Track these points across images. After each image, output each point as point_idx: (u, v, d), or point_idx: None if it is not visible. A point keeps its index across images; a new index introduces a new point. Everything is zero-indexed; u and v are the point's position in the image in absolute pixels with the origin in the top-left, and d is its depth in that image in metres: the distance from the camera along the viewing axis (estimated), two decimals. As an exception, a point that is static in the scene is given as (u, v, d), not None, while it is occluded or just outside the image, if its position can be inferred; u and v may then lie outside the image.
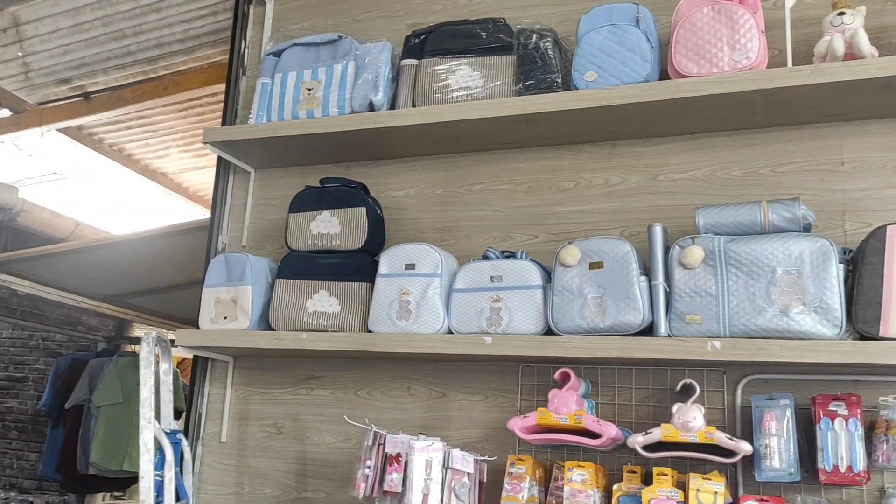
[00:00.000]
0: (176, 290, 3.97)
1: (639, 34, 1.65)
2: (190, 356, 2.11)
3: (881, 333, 1.37)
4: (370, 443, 1.66)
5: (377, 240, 1.89)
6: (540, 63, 1.75)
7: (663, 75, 1.68)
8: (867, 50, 1.47)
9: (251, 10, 2.36)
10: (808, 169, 1.67)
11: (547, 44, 1.76)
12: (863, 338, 1.40)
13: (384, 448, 1.64)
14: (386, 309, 1.75)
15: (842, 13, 1.52)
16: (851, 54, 1.50)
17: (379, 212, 1.92)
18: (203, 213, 5.32)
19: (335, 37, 1.99)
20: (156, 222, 5.11)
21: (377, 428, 1.65)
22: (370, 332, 1.77)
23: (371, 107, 1.90)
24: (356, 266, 1.85)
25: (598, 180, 1.85)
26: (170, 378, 1.90)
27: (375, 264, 1.82)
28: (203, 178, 4.95)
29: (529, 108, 1.71)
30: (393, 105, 1.92)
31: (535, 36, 1.76)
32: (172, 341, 1.93)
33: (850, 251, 1.48)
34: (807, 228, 1.49)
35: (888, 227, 1.41)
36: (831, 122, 1.65)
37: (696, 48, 1.58)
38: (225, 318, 1.90)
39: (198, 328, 1.94)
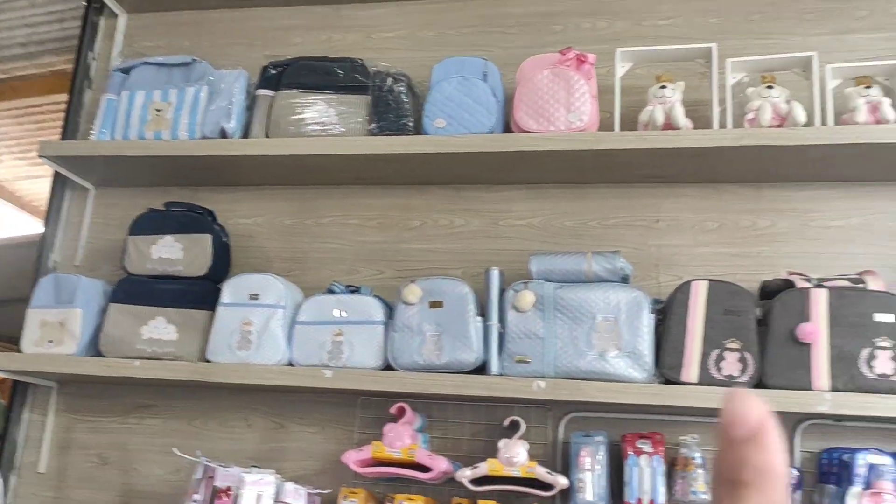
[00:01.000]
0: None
1: (485, 88, 1.75)
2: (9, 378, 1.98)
3: (682, 378, 1.52)
4: (199, 476, 1.63)
5: (222, 267, 1.87)
6: (393, 105, 1.82)
7: (507, 128, 1.79)
8: (683, 122, 1.64)
9: (101, 22, 2.28)
10: (630, 224, 1.83)
11: (401, 88, 1.83)
12: (668, 382, 1.54)
13: (214, 481, 1.62)
14: (226, 338, 1.73)
15: (664, 86, 1.69)
16: (670, 124, 1.66)
17: (225, 239, 1.90)
18: (37, 225, 4.98)
19: (189, 59, 1.97)
20: (-17, 232, 4.73)
21: (208, 461, 1.62)
22: (208, 361, 1.74)
23: (223, 134, 1.89)
24: (198, 293, 1.82)
25: (443, 221, 1.94)
26: (-16, 404, 1.78)
27: (218, 292, 1.80)
28: (38, 187, 4.64)
29: (381, 149, 1.77)
30: (246, 133, 1.92)
31: (390, 79, 1.83)
32: (-10, 364, 1.81)
33: (661, 302, 1.63)
34: (625, 279, 1.63)
35: (692, 282, 1.57)
36: (651, 183, 1.82)
37: (536, 107, 1.70)
38: (50, 341, 1.81)
39: (19, 350, 1.83)
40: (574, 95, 1.69)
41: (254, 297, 1.75)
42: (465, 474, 1.58)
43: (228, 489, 1.60)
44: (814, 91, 1.62)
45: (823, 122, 1.61)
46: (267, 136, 1.88)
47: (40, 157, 1.95)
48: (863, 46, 1.79)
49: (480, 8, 2.04)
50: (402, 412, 1.69)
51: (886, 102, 1.57)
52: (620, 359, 1.54)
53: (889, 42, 1.78)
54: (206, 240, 1.84)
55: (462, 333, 1.63)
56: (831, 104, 1.63)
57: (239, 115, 1.90)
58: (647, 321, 1.56)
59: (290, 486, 1.63)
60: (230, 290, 1.77)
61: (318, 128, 1.85)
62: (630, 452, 1.57)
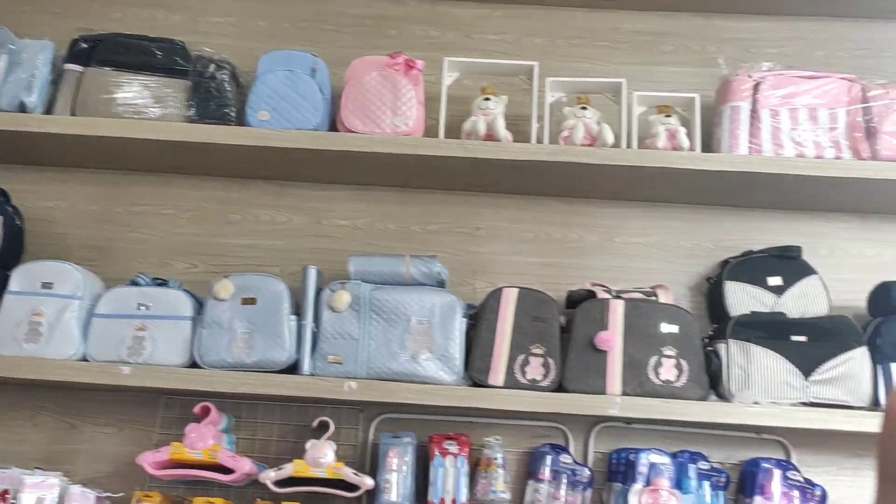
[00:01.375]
0: None
1: (313, 84, 1.73)
2: None
3: (489, 382, 1.57)
4: (-27, 479, 1.49)
5: (13, 253, 1.72)
6: (215, 93, 1.75)
7: (333, 126, 1.77)
8: (503, 134, 1.70)
9: None
10: (451, 231, 1.87)
11: (224, 75, 1.76)
12: (476, 384, 1.59)
13: (-11, 485, 1.48)
14: (12, 329, 1.59)
15: (488, 98, 1.74)
16: (491, 135, 1.72)
17: (18, 222, 1.75)
18: None
19: (-12, 24, 1.80)
20: None
21: (-17, 462, 1.48)
22: (-10, 354, 1.59)
23: (22, 108, 1.73)
24: (-18, 280, 1.66)
25: (264, 217, 1.89)
26: None
27: (6, 279, 1.65)
28: None
29: (199, 137, 1.70)
30: (49, 110, 1.77)
31: (212, 66, 1.76)
32: None
33: (474, 307, 1.68)
34: (441, 284, 1.67)
35: (504, 289, 1.63)
36: (472, 191, 1.87)
37: (363, 107, 1.70)
38: None
39: None
40: (401, 99, 1.71)
41: (47, 285, 1.62)
42: (270, 476, 1.54)
43: (6, 492, 1.47)
44: (622, 115, 1.73)
45: (629, 145, 1.73)
46: (73, 115, 1.75)
47: None
48: (667, 78, 1.95)
49: (316, 4, 2.01)
50: (206, 412, 1.62)
51: (682, 131, 1.71)
52: (432, 361, 1.57)
53: (690, 76, 1.94)
54: (-4, 221, 1.68)
55: (274, 332, 1.59)
56: (636, 128, 1.75)
57: (41, 89, 1.74)
58: (460, 325, 1.60)
59: (76, 489, 1.52)
60: (20, 278, 1.63)
61: (132, 110, 1.74)
62: (437, 453, 1.60)
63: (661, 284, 1.70)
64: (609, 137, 1.68)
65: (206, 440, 1.57)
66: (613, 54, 1.98)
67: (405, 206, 1.89)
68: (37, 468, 1.56)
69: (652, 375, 1.56)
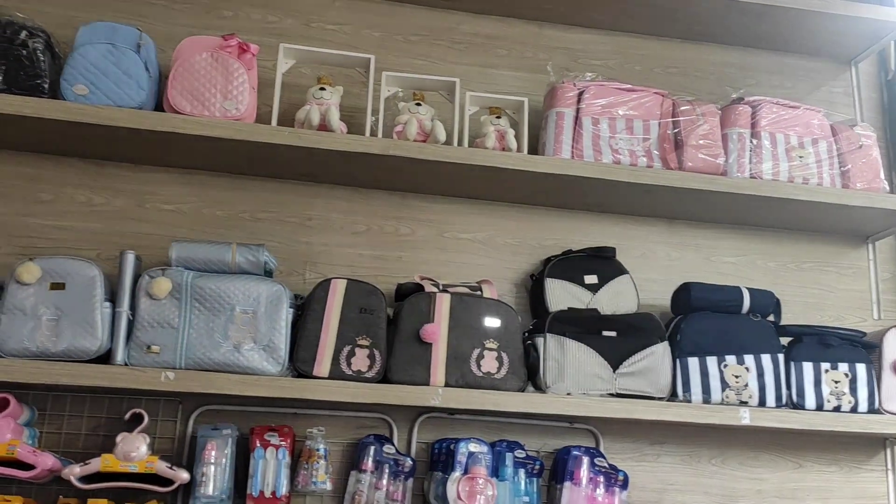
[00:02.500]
0: None
1: (137, 60, 1.65)
2: None
3: (314, 372, 1.56)
4: None
5: None
6: (26, 63, 1.62)
7: (159, 106, 1.70)
8: (336, 125, 1.70)
9: None
10: (282, 220, 1.84)
11: (37, 44, 1.63)
12: (300, 375, 1.58)
13: None
14: None
15: (323, 88, 1.73)
16: (325, 125, 1.71)
17: None
18: None
19: None
20: None
21: None
22: None
23: None
24: None
25: (80, 197, 1.78)
26: None
27: None
28: None
29: (7, 108, 1.57)
30: None
31: (24, 32, 1.63)
32: None
33: (302, 298, 1.66)
34: (269, 273, 1.64)
35: (332, 280, 1.63)
36: (306, 181, 1.86)
37: (192, 89, 1.64)
38: None
39: None
40: (233, 83, 1.66)
41: None
42: (74, 471, 1.45)
43: None
44: (455, 114, 1.78)
45: (460, 143, 1.77)
46: None
47: None
48: (500, 81, 2.02)
49: (146, -24, 1.92)
50: (5, 404, 1.51)
51: (511, 133, 1.78)
52: (255, 351, 1.54)
53: (520, 81, 2.02)
54: None
55: (85, 319, 1.50)
56: (467, 127, 1.80)
57: None
58: (286, 315, 1.58)
59: None
60: None
61: (-72, 73, 1.58)
62: (257, 445, 1.58)
63: (487, 280, 1.76)
64: (441, 134, 1.72)
65: (3, 434, 1.46)
66: (450, 54, 2.02)
67: (235, 192, 1.84)
68: None
69: (474, 367, 1.61)
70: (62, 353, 1.49)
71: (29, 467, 1.46)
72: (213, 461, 1.54)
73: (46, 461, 1.46)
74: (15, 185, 1.75)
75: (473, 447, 1.64)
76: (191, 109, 1.64)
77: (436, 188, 1.88)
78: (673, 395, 1.72)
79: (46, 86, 1.63)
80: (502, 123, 1.79)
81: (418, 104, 1.76)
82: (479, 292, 1.72)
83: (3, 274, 1.60)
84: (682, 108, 1.88)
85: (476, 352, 1.63)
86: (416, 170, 1.76)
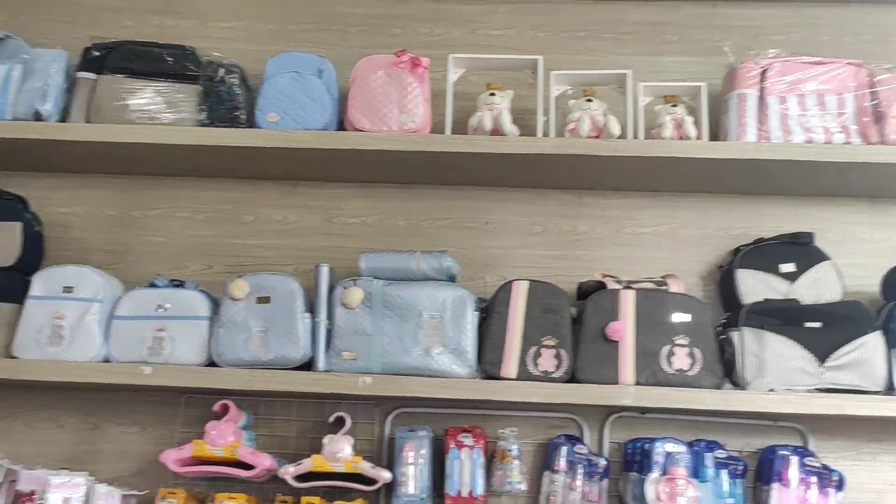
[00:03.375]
0: None
1: (320, 85, 1.75)
2: None
3: (502, 374, 1.58)
4: (1, 479, 1.53)
5: (32, 258, 1.76)
6: (225, 97, 1.77)
7: (341, 126, 1.80)
8: (509, 129, 1.72)
9: None
10: (460, 225, 1.89)
11: (234, 79, 1.79)
12: (489, 377, 1.61)
13: (16, 486, 1.51)
14: (35, 334, 1.63)
15: (493, 94, 1.76)
16: (497, 130, 1.73)
17: (38, 228, 1.79)
18: None
19: (2, 35, 1.83)
20: None
21: (11, 463, 1.52)
22: (14, 357, 1.63)
23: (37, 116, 1.77)
24: (4, 285, 1.69)
25: (276, 217, 1.91)
26: None
27: (27, 284, 1.68)
28: None
29: (210, 140, 1.72)
30: (64, 118, 1.80)
31: (222, 70, 1.78)
32: None
33: (485, 301, 1.69)
34: (451, 278, 1.68)
35: (514, 282, 1.64)
36: (481, 186, 1.89)
37: (370, 106, 1.72)
38: None
39: None
40: (407, 97, 1.73)
41: (67, 289, 1.65)
42: (289, 471, 1.57)
43: (33, 493, 1.50)
44: (627, 106, 1.74)
45: (635, 136, 1.73)
46: (88, 122, 1.78)
47: None
48: (672, 68, 1.95)
49: (321, 6, 2.03)
50: (225, 409, 1.65)
51: (689, 120, 1.71)
52: (444, 355, 1.59)
53: (694, 66, 1.94)
54: (16, 228, 1.72)
55: (289, 329, 1.62)
56: (642, 119, 1.75)
57: (56, 98, 1.78)
58: (471, 319, 1.61)
59: (102, 488, 1.55)
60: (41, 282, 1.67)
61: (145, 115, 1.77)
62: (452, 446, 1.62)
63: (672, 274, 1.71)
64: (615, 129, 1.69)
65: (226, 437, 1.60)
66: (617, 46, 1.98)
67: (414, 202, 1.91)
68: (62, 468, 1.60)
69: (665, 364, 1.57)
70: (271, 361, 1.61)
71: (249, 467, 1.60)
72: (411, 462, 1.60)
73: (264, 461, 1.59)
74: (222, 210, 1.91)
75: (670, 447, 1.59)
76: (370, 126, 1.72)
77: (612, 184, 1.85)
78: (890, 389, 1.58)
79: (244, 117, 1.77)
80: (679, 112, 1.73)
81: (589, 100, 1.74)
82: (664, 287, 1.67)
83: (216, 291, 1.75)
84: (880, 77, 1.72)
85: (666, 349, 1.58)
86: (591, 166, 1.74)
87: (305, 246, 1.89)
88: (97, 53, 1.83)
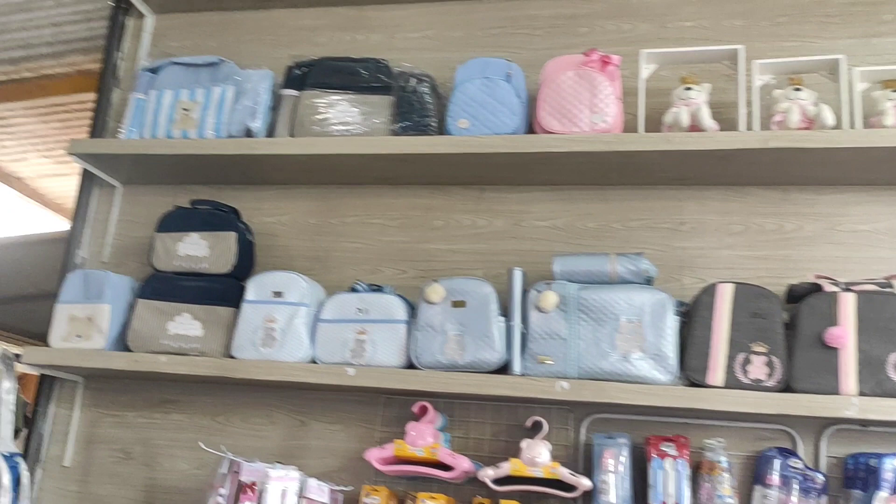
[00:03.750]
0: (22, 302, 3.74)
1: (509, 89, 1.76)
2: (35, 373, 2.01)
3: (708, 381, 1.51)
4: (225, 470, 1.65)
5: (246, 265, 1.89)
6: (417, 106, 1.82)
7: (531, 129, 1.79)
8: (708, 124, 1.64)
9: (129, 22, 2.31)
10: (653, 226, 1.82)
11: (424, 88, 1.83)
12: (692, 384, 1.54)
13: (239, 476, 1.63)
14: (250, 335, 1.75)
15: (689, 88, 1.69)
16: (695, 126, 1.66)
17: (249, 237, 1.92)
18: (60, 223, 5.03)
19: (216, 60, 1.99)
20: (8, 229, 4.78)
21: (233, 455, 1.64)
22: (233, 357, 1.76)
23: (248, 133, 1.90)
24: (222, 290, 1.83)
25: (465, 221, 1.94)
26: (11, 398, 1.80)
27: (242, 289, 1.81)
28: (62, 185, 4.69)
29: (404, 149, 1.78)
30: (270, 133, 1.93)
31: (413, 80, 1.84)
32: (18, 356, 1.84)
33: (686, 304, 1.62)
34: (648, 281, 1.63)
35: (718, 284, 1.56)
36: (675, 185, 1.82)
37: (560, 107, 1.70)
38: (78, 336, 1.83)
39: (47, 345, 1.86)
40: (598, 97, 1.69)
41: (277, 294, 1.76)
42: (488, 474, 1.58)
43: (253, 484, 1.61)
44: (841, 94, 1.61)
45: (852, 125, 1.60)
46: (291, 136, 1.89)
47: (69, 154, 1.97)
48: (890, 50, 1.78)
49: (506, 10, 2.05)
50: (424, 411, 1.69)
51: (915, 105, 1.56)
52: (644, 360, 1.54)
53: (918, 45, 1.77)
54: (231, 237, 1.85)
55: (485, 333, 1.63)
56: (859, 107, 1.61)
57: (264, 115, 1.91)
58: (672, 323, 1.55)
59: (313, 482, 1.64)
60: (254, 287, 1.79)
61: (342, 127, 1.86)
62: (654, 455, 1.57)
63: (897, 274, 1.56)
64: (830, 118, 1.57)
65: (426, 438, 1.63)
66: (824, 29, 1.84)
67: (604, 203, 1.87)
68: (277, 462, 1.70)
69: (892, 374, 1.43)
70: (468, 364, 1.63)
71: (448, 468, 1.63)
72: (611, 469, 1.56)
73: (463, 463, 1.61)
74: (413, 216, 1.97)
75: (901, 464, 1.45)
76: (560, 128, 1.70)
77: (821, 178, 1.72)
78: None
79: (435, 124, 1.81)
80: (902, 96, 1.58)
81: (797, 89, 1.62)
82: (889, 289, 1.52)
83: (410, 295, 1.80)
84: None
85: (894, 356, 1.44)
86: (800, 160, 1.62)
87: (495, 250, 1.90)
88: (298, 71, 1.95)
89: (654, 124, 1.73)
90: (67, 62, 2.89)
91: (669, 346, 1.54)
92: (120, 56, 2.26)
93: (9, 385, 1.79)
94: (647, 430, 1.68)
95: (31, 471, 1.95)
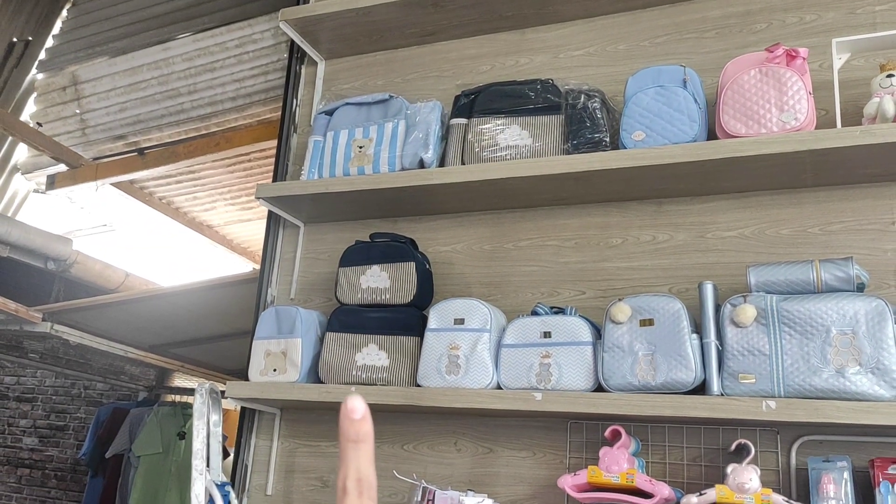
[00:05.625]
0: (218, 341, 4.02)
1: (686, 95, 1.68)
2: (231, 407, 2.14)
3: (941, 395, 1.35)
4: (419, 498, 1.66)
5: (426, 294, 1.92)
6: (588, 123, 1.79)
7: (711, 135, 1.70)
8: (917, 111, 1.48)
9: (303, 70, 2.45)
10: (858, 228, 1.67)
11: (595, 104, 1.79)
12: (922, 400, 1.38)
13: (433, 504, 1.64)
14: (435, 363, 1.77)
15: (891, 75, 1.54)
16: (901, 115, 1.51)
17: (427, 266, 1.95)
18: (245, 265, 5.41)
19: (386, 96, 2.06)
20: (201, 273, 5.20)
21: (426, 483, 1.65)
22: (419, 385, 1.78)
23: (421, 164, 1.95)
24: (405, 320, 1.87)
25: (645, 237, 1.87)
26: (219, 429, 1.92)
27: (424, 319, 1.84)
28: (247, 230, 5.05)
29: (577, 167, 1.74)
30: (442, 162, 1.96)
31: (582, 96, 1.80)
32: (222, 392, 1.96)
33: (906, 311, 1.46)
34: (860, 288, 1.49)
35: (945, 287, 1.40)
36: (881, 181, 1.66)
37: (744, 109, 1.61)
38: (274, 370, 1.93)
39: (247, 380, 1.97)
40: (787, 94, 1.58)
41: (459, 321, 1.77)
42: (692, 501, 1.49)
43: (446, 513, 1.61)
44: None
45: None
46: (462, 164, 1.91)
47: (256, 198, 2.10)
48: None
49: (672, 16, 1.97)
50: (616, 435, 1.63)
51: None
52: (862, 375, 1.40)
53: None
54: (410, 268, 1.89)
55: (677, 352, 1.55)
56: None
57: (435, 145, 1.95)
58: (892, 332, 1.40)
59: (506, 510, 1.61)
60: (436, 316, 1.81)
61: (512, 151, 1.86)
62: (882, 479, 1.41)
63: None
64: None
65: (620, 464, 1.57)
66: None
67: (797, 207, 1.73)
68: (469, 490, 1.69)
69: None
70: (661, 385, 1.55)
71: (646, 495, 1.55)
72: (832, 496, 1.42)
73: (663, 490, 1.53)
74: (588, 235, 1.92)
75: None
76: (746, 131, 1.60)
77: None
78: None
79: (607, 139, 1.76)
80: None
81: None
82: None
83: (592, 316, 1.75)
84: None
85: None
86: None
87: (679, 265, 1.82)
88: (465, 100, 1.97)
89: (851, 118, 1.59)
90: (249, 114, 3.12)
91: (892, 357, 1.39)
92: (297, 103, 2.40)
93: (216, 418, 1.91)
94: (869, 452, 1.52)
95: (239, 499, 2.07)
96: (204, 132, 3.31)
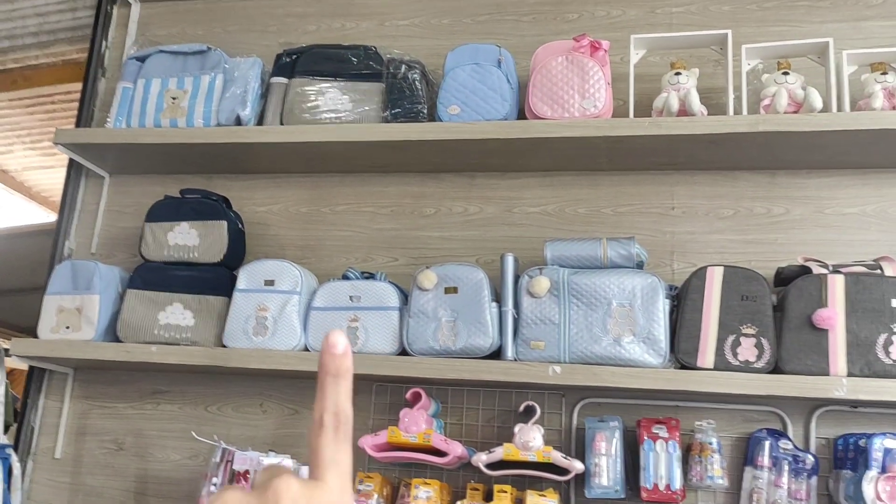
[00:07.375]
0: (10, 296, 3.71)
1: (500, 75, 1.76)
2: (23, 366, 2.00)
3: (698, 364, 1.52)
4: (217, 460, 1.65)
5: (237, 254, 1.88)
6: (407, 93, 1.82)
7: (521, 115, 1.79)
8: (697, 108, 1.65)
9: (114, 10, 2.29)
10: (644, 211, 1.83)
11: (415, 75, 1.83)
12: (683, 367, 1.55)
13: (232, 465, 1.63)
14: (242, 324, 1.75)
15: (678, 73, 1.69)
16: (684, 111, 1.66)
17: (240, 226, 1.91)
18: (46, 216, 5.00)
19: (204, 48, 1.98)
20: (-8, 222, 4.74)
21: (226, 444, 1.64)
22: (225, 346, 1.75)
23: (238, 121, 1.90)
24: (213, 280, 1.83)
25: (457, 209, 1.94)
26: (1, 390, 1.79)
27: (233, 279, 1.81)
28: (49, 177, 4.66)
29: (395, 136, 1.78)
30: (260, 121, 1.92)
31: (403, 66, 1.83)
32: (6, 351, 1.83)
33: (676, 288, 1.63)
34: (640, 265, 1.64)
35: (708, 268, 1.57)
36: (665, 170, 1.83)
37: (551, 93, 1.71)
38: (67, 327, 1.82)
39: (36, 337, 1.84)
40: (589, 82, 1.69)
41: (269, 283, 1.76)
42: (482, 459, 1.58)
43: (246, 472, 1.61)
44: (829, 77, 1.62)
45: (839, 109, 1.61)
46: (281, 124, 1.89)
47: (55, 144, 1.96)
48: (877, 33, 1.79)
49: (494, -4, 2.04)
50: (417, 397, 1.70)
51: (903, 88, 1.57)
52: (636, 344, 1.55)
53: (905, 29, 1.78)
54: (222, 226, 1.85)
55: (477, 319, 1.63)
56: (847, 90, 1.62)
57: (254, 103, 1.90)
58: (663, 307, 1.56)
59: (306, 470, 1.64)
60: (246, 277, 1.78)
61: (332, 115, 1.85)
62: (646, 437, 1.58)
63: (886, 256, 1.57)
64: (817, 102, 1.58)
65: (419, 424, 1.64)
66: (812, 13, 1.85)
67: (595, 188, 1.87)
68: (270, 451, 1.70)
69: (882, 355, 1.45)
70: (461, 350, 1.63)
71: (441, 454, 1.63)
72: (604, 452, 1.57)
73: (456, 449, 1.61)
74: (404, 203, 1.97)
75: (889, 443, 1.47)
76: (551, 113, 1.71)
77: (810, 162, 1.73)
78: None
79: (425, 111, 1.81)
80: (889, 80, 1.59)
81: (785, 73, 1.63)
82: (878, 271, 1.54)
83: (402, 282, 1.81)
84: None
85: (882, 337, 1.46)
86: (788, 144, 1.63)
87: (487, 236, 1.91)
88: (288, 59, 1.94)
89: (643, 109, 1.74)
90: (52, 52, 2.87)
91: (660, 329, 1.55)
92: (106, 45, 2.25)
93: (-1, 377, 1.78)
94: (639, 413, 1.69)
95: (23, 463, 1.94)
96: (0, 68, 3.01)
